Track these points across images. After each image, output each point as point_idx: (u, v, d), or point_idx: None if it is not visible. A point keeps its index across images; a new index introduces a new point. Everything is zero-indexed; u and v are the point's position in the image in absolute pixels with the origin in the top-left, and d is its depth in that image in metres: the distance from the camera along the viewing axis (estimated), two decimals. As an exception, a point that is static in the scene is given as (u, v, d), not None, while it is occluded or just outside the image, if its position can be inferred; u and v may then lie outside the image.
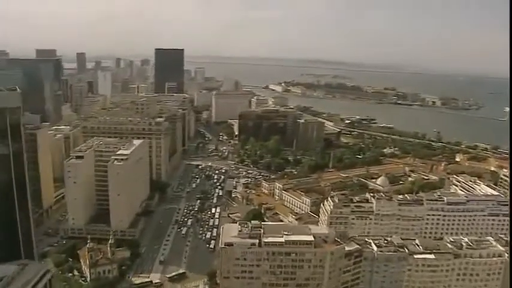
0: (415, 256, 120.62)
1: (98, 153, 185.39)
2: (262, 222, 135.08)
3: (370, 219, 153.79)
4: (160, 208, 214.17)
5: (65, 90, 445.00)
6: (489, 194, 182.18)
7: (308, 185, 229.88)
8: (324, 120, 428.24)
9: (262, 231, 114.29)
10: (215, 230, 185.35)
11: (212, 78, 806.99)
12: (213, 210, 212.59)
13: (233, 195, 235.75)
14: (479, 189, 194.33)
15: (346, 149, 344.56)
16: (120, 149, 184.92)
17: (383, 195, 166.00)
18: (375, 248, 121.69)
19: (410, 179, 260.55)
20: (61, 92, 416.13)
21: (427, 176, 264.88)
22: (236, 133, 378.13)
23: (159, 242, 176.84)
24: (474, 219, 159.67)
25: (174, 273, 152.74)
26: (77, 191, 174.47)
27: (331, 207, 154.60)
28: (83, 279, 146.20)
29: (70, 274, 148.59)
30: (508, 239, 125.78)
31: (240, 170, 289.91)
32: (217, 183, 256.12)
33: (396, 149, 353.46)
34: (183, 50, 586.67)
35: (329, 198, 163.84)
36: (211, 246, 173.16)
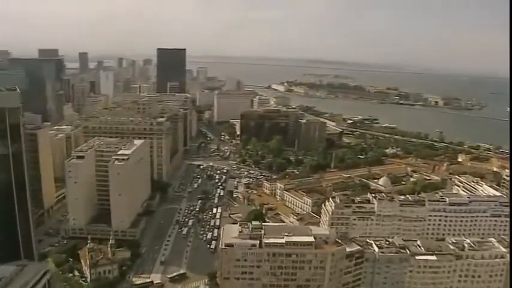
0: (417, 257, 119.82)
1: (99, 153, 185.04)
2: (263, 223, 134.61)
3: (372, 220, 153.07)
4: (162, 208, 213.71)
5: (66, 90, 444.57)
6: (491, 194, 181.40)
7: (310, 185, 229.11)
8: (326, 120, 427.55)
9: (262, 232, 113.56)
10: (216, 230, 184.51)
11: (214, 77, 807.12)
12: (214, 210, 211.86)
13: (234, 196, 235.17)
14: (482, 190, 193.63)
15: (348, 149, 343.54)
16: (121, 149, 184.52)
17: (384, 195, 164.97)
18: (376, 249, 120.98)
19: (412, 179, 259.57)
20: (63, 92, 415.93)
21: (429, 177, 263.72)
22: (238, 133, 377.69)
23: (160, 243, 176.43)
24: (476, 220, 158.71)
25: (174, 274, 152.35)
26: (78, 191, 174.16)
27: (333, 207, 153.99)
28: (83, 279, 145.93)
29: (70, 274, 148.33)
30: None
31: (242, 170, 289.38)
32: (219, 183, 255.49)
33: (398, 149, 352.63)
34: (185, 49, 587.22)
35: (330, 199, 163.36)
36: (212, 246, 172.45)
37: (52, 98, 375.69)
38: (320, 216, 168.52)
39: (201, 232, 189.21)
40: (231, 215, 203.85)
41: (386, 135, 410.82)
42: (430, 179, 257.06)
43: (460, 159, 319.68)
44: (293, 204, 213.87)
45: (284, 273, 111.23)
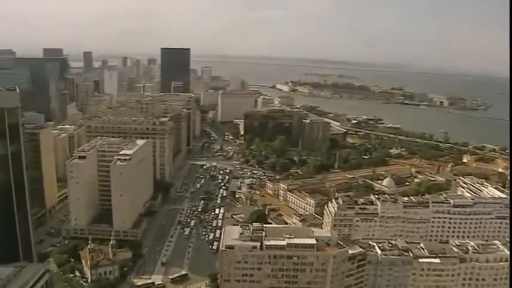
0: (420, 260, 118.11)
1: (101, 153, 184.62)
2: (265, 224, 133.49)
3: (375, 221, 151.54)
4: (164, 208, 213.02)
5: (71, 89, 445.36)
6: (496, 196, 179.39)
7: (313, 186, 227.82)
8: (330, 120, 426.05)
9: (263, 233, 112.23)
10: (218, 231, 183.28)
11: (219, 77, 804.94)
12: (217, 211, 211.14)
13: (237, 196, 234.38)
14: (487, 192, 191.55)
15: (352, 149, 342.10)
16: (123, 149, 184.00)
17: (388, 197, 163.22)
18: (378, 251, 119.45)
19: (416, 180, 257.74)
20: (67, 91, 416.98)
21: (433, 178, 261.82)
22: (242, 133, 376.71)
23: (162, 243, 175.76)
24: (481, 223, 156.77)
25: (176, 275, 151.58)
26: (80, 191, 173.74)
27: (335, 209, 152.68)
28: (84, 280, 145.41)
29: (71, 275, 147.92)
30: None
31: (245, 170, 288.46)
32: (222, 184, 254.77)
33: (403, 149, 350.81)
34: (189, 49, 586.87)
35: (333, 200, 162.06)
36: (214, 247, 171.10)
37: (56, 97, 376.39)
38: (323, 218, 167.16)
39: (203, 233, 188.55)
40: (234, 216, 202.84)
41: (391, 135, 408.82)
42: (434, 180, 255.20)
43: (465, 160, 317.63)
44: (296, 205, 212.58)
45: (285, 276, 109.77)
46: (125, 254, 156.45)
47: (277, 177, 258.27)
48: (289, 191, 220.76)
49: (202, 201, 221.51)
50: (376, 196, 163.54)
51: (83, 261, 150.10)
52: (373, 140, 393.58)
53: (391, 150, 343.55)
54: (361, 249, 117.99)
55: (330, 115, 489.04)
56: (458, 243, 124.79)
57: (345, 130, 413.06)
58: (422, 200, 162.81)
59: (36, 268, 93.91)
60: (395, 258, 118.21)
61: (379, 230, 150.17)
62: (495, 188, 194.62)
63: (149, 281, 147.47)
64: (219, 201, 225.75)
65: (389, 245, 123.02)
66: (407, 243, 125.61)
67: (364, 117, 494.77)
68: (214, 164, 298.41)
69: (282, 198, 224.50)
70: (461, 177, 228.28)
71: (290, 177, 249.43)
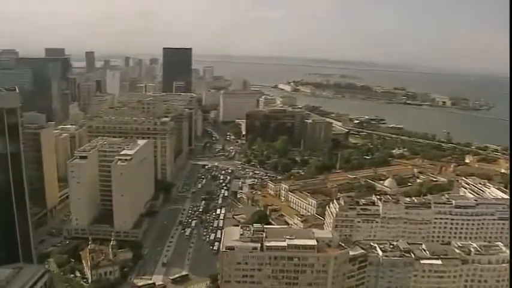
0: (422, 261, 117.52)
1: (102, 153, 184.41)
2: (267, 225, 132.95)
3: (377, 222, 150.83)
4: (165, 209, 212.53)
5: (72, 89, 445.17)
6: (499, 197, 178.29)
7: (314, 186, 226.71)
8: (332, 120, 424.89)
9: (264, 234, 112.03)
10: (219, 231, 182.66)
11: (221, 77, 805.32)
12: (218, 211, 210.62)
13: (239, 196, 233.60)
14: (489, 192, 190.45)
15: (354, 149, 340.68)
16: (124, 149, 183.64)
17: (390, 197, 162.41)
18: (380, 252, 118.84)
19: (418, 180, 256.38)
20: (69, 91, 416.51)
21: (435, 178, 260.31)
22: (243, 133, 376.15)
23: (163, 244, 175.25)
24: (483, 224, 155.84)
25: (176, 276, 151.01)
26: (81, 191, 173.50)
27: (337, 209, 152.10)
28: (84, 280, 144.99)
29: (72, 275, 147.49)
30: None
31: (247, 170, 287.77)
32: (223, 184, 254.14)
33: (405, 149, 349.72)
34: (191, 49, 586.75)
35: (335, 201, 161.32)
36: (215, 248, 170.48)
37: (58, 97, 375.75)
38: (324, 218, 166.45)
39: (204, 233, 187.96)
40: (235, 216, 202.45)
41: (393, 135, 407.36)
42: (436, 181, 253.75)
43: (467, 160, 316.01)
44: (297, 206, 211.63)
45: (286, 277, 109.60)
46: (125, 255, 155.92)
47: (279, 177, 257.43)
48: (291, 192, 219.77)
49: (203, 202, 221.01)
50: (378, 197, 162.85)
51: (83, 261, 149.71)
52: (375, 140, 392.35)
53: (393, 151, 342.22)
54: (362, 251, 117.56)
55: (332, 115, 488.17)
56: (460, 245, 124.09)
57: (347, 130, 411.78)
58: (424, 201, 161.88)
59: (35, 269, 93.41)
60: (396, 259, 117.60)
61: (381, 231, 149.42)
62: (498, 189, 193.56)
63: (150, 282, 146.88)
64: (220, 201, 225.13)
65: (391, 246, 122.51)
66: (409, 244, 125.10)
67: (367, 117, 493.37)
68: (216, 164, 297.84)
69: (283, 198, 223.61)
70: (463, 178, 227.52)
71: (292, 177, 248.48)
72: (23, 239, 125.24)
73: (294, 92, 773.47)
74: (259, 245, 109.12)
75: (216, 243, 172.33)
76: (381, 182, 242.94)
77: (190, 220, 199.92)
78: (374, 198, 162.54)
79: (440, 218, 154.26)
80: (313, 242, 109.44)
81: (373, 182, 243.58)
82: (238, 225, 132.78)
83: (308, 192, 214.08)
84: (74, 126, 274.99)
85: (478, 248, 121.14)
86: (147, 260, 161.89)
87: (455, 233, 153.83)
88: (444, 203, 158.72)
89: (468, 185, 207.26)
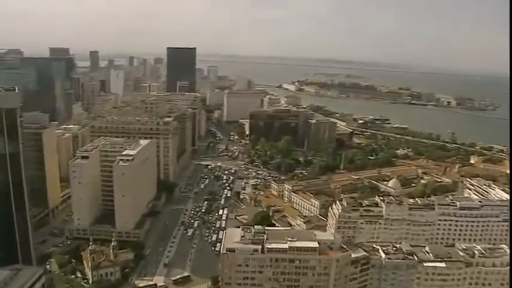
0: (425, 264, 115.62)
1: (104, 153, 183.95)
2: (269, 226, 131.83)
3: (380, 223, 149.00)
4: (167, 209, 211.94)
5: (76, 88, 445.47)
6: (504, 198, 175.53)
7: (318, 187, 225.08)
8: (337, 120, 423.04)
9: (265, 236, 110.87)
10: (221, 232, 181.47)
11: (225, 77, 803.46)
12: (221, 211, 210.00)
13: (241, 197, 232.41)
14: (494, 194, 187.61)
15: (358, 149, 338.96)
16: (126, 149, 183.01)
17: (393, 199, 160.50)
18: (382, 255, 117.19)
19: (423, 181, 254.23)
20: (72, 91, 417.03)
21: (440, 179, 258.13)
22: (247, 133, 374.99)
23: (164, 244, 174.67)
24: (488, 226, 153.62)
25: (178, 276, 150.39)
26: (82, 191, 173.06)
27: (340, 211, 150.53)
28: (85, 281, 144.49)
29: (73, 276, 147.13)
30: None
31: (250, 170, 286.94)
32: (226, 184, 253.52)
33: (409, 150, 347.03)
34: (195, 48, 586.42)
35: (338, 202, 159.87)
36: (217, 249, 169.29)
37: (61, 96, 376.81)
38: (327, 219, 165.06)
39: (206, 234, 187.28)
40: (237, 217, 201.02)
41: (398, 135, 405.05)
42: (441, 182, 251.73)
43: (472, 161, 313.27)
44: (301, 206, 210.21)
45: (287, 280, 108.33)
46: (126, 255, 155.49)
47: (282, 177, 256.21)
48: (294, 192, 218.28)
49: (206, 202, 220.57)
50: (381, 198, 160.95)
51: (84, 262, 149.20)
52: (379, 140, 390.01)
53: (398, 151, 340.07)
54: (365, 253, 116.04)
55: (337, 115, 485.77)
56: (464, 247, 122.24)
57: (351, 130, 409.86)
58: (428, 202, 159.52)
59: (33, 271, 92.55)
60: (399, 262, 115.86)
61: (384, 233, 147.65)
62: (502, 190, 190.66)
63: (151, 283, 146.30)
64: (223, 202, 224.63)
65: (394, 248, 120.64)
66: (412, 246, 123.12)
67: (371, 117, 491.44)
68: (219, 164, 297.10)
69: (286, 199, 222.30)
70: (468, 179, 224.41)
71: (295, 177, 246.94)
72: (22, 239, 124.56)
73: (298, 91, 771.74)
74: (260, 247, 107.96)
75: (218, 244, 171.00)
76: (385, 182, 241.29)
77: (192, 221, 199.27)
78: (377, 199, 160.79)
79: (444, 220, 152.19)
80: (314, 244, 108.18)
81: (377, 183, 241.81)
82: (240, 226, 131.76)
83: (311, 193, 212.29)
84: (77, 126, 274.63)
85: (482, 251, 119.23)
86: (148, 260, 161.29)
87: (459, 235, 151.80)
88: (448, 205, 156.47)
89: (473, 186, 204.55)
